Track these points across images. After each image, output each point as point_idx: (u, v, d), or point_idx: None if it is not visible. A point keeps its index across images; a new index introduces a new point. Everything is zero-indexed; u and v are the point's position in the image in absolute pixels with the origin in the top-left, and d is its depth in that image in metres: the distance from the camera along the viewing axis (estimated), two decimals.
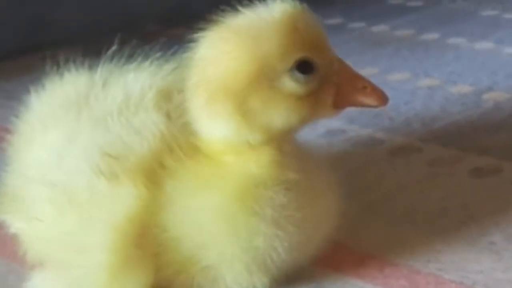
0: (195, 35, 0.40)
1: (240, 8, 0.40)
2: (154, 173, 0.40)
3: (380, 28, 0.88)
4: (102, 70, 0.47)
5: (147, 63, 0.48)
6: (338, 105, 0.41)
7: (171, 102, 0.44)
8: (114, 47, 0.49)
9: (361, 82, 0.40)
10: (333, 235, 0.44)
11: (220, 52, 0.39)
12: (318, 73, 0.39)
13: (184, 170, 0.41)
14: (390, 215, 0.51)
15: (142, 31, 0.96)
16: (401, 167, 0.55)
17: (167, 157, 0.41)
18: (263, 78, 0.38)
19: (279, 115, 0.39)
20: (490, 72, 0.68)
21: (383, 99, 0.40)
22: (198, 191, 0.40)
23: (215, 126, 0.40)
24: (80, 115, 0.44)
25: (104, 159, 0.41)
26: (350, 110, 0.45)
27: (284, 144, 0.41)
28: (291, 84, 0.38)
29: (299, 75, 0.38)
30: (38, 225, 0.43)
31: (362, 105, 0.41)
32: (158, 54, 0.49)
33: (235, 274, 0.41)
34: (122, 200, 0.40)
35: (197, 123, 0.41)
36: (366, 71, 0.65)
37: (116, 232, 0.39)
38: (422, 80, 0.70)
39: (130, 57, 0.49)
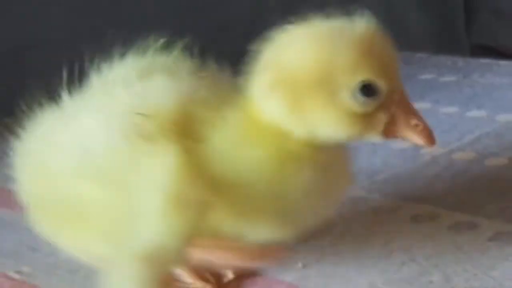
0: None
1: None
2: (191, 127, 0.41)
3: None
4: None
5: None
6: (387, 134, 0.41)
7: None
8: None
9: (415, 119, 0.41)
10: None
11: (297, 47, 0.40)
12: (378, 99, 0.39)
13: (224, 122, 0.41)
14: (338, 256, 0.54)
15: None
16: (348, 214, 0.58)
17: (204, 109, 0.41)
18: (325, 86, 0.38)
19: (325, 123, 0.39)
20: None
21: (431, 140, 0.41)
22: (240, 143, 0.41)
23: (269, 105, 0.40)
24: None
25: (137, 120, 0.41)
26: None
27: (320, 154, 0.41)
28: (349, 101, 0.39)
29: (360, 96, 0.39)
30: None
31: (410, 141, 0.42)
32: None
33: (272, 226, 0.42)
34: (164, 158, 0.40)
35: (252, 93, 0.42)
36: None
37: (164, 191, 0.39)
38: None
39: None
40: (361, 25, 0.40)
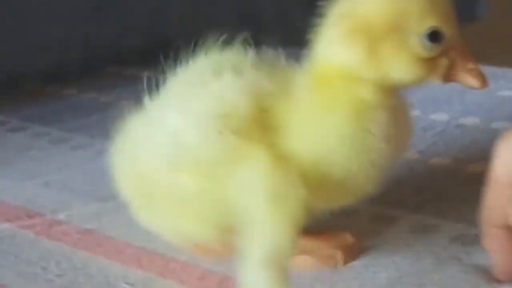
0: None
1: None
2: (269, 121, 0.43)
3: None
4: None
5: None
6: (447, 77, 0.43)
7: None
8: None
9: (471, 63, 0.43)
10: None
11: (368, 2, 0.42)
12: (442, 44, 0.42)
13: (295, 106, 0.43)
14: None
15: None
16: None
17: (275, 101, 0.43)
18: (397, 32, 0.41)
19: (397, 67, 0.42)
20: None
21: (485, 82, 0.43)
22: (317, 115, 0.43)
23: (345, 52, 0.42)
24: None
25: (218, 120, 0.42)
26: None
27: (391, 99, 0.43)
28: (418, 46, 0.41)
29: (427, 41, 0.41)
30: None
31: (466, 84, 0.43)
32: None
33: (358, 185, 0.44)
34: (254, 160, 0.42)
35: (322, 47, 0.43)
36: None
37: (265, 196, 0.41)
38: None
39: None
40: None
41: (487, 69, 0.45)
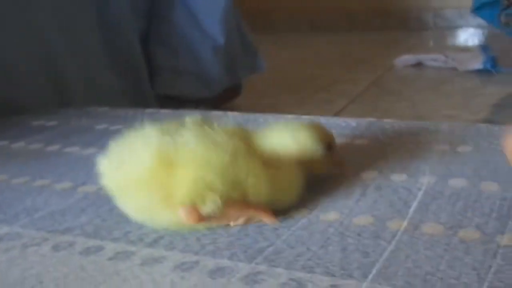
0: None
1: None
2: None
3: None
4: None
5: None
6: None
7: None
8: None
9: (339, 158, 0.69)
10: None
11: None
12: (331, 150, 0.66)
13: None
14: None
15: None
16: None
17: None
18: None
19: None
20: None
21: (344, 168, 0.70)
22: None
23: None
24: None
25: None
26: None
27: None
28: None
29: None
30: None
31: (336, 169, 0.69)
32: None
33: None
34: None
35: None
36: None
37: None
38: None
39: None
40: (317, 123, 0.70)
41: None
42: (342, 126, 0.89)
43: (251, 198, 0.59)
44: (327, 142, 0.67)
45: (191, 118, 0.62)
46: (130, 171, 0.58)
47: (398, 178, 0.67)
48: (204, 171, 0.57)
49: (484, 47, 2.49)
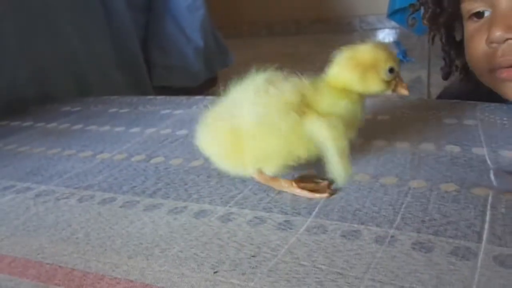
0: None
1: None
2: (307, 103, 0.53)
3: None
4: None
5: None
6: (394, 91, 0.57)
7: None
8: None
9: (404, 83, 0.57)
10: None
11: (361, 52, 0.55)
12: (393, 74, 0.55)
13: (320, 97, 0.53)
14: None
15: None
16: None
17: (308, 94, 0.53)
18: (374, 68, 0.54)
19: (374, 86, 0.54)
20: None
21: (408, 92, 0.59)
22: (329, 102, 0.53)
23: (346, 76, 0.54)
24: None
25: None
26: None
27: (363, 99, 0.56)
28: (383, 75, 0.54)
29: (388, 73, 0.54)
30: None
31: (402, 94, 0.57)
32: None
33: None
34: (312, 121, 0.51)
35: (335, 71, 0.55)
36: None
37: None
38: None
39: None
40: (375, 44, 0.56)
41: None
42: None
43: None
44: (393, 63, 0.58)
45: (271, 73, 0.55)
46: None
47: None
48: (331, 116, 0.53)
49: (397, 43, 2.52)
